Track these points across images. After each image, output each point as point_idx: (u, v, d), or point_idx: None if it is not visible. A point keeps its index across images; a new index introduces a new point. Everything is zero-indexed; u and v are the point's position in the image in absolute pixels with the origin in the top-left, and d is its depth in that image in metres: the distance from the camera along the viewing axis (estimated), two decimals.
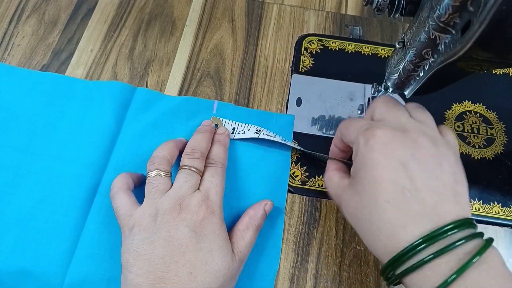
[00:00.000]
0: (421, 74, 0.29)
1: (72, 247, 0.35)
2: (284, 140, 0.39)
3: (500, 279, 0.23)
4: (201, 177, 0.33)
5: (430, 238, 0.24)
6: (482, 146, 0.41)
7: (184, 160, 0.34)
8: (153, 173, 0.33)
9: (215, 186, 0.33)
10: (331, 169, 0.33)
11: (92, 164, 0.38)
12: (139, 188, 0.36)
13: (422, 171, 0.26)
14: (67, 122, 0.40)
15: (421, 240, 0.24)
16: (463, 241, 0.23)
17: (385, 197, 0.25)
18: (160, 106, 0.41)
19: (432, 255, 0.23)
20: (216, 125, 0.40)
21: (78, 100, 0.41)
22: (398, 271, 0.25)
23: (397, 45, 0.31)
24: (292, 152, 0.40)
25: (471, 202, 0.38)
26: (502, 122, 0.42)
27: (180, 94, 0.43)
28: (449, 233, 0.24)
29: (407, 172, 0.25)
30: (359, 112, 0.43)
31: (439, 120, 0.42)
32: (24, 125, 0.40)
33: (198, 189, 0.32)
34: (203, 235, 0.29)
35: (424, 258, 0.23)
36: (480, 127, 0.42)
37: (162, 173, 0.33)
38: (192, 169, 0.33)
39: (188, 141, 0.37)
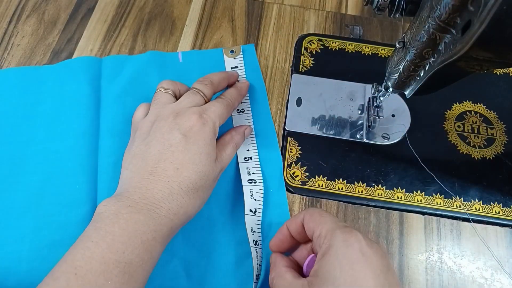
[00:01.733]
0: (422, 74, 0.29)
1: (92, 209, 0.36)
2: None
3: None
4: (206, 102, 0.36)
5: None
6: (483, 146, 0.41)
7: (193, 84, 0.37)
8: (157, 90, 0.37)
9: (215, 108, 0.35)
10: (281, 265, 0.29)
11: (85, 133, 0.40)
12: None
13: (395, 281, 0.25)
14: (49, 105, 0.41)
15: None
16: None
17: None
18: (130, 67, 0.43)
19: None
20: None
21: (52, 83, 0.43)
22: None
23: (397, 45, 0.31)
24: (292, 152, 0.40)
25: (471, 202, 0.38)
26: (502, 122, 0.42)
27: None
28: None
29: (384, 276, 0.24)
30: (359, 112, 0.43)
31: (439, 120, 0.42)
32: (7, 120, 0.41)
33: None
34: (193, 140, 0.32)
35: None
36: (480, 127, 0.42)
37: (163, 90, 0.36)
38: (196, 90, 0.36)
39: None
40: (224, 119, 0.35)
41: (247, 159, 0.39)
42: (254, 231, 0.35)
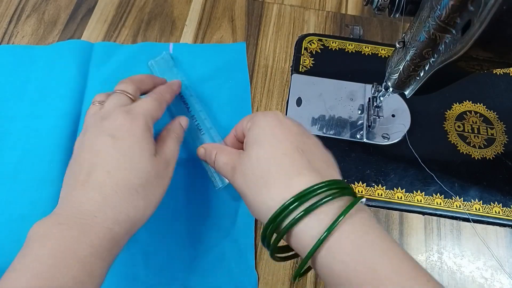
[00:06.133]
0: (422, 74, 0.29)
1: None
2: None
3: (368, 236, 0.24)
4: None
5: (301, 196, 0.25)
6: (483, 146, 0.41)
7: (115, 87, 0.35)
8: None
9: (143, 104, 0.33)
10: (222, 144, 0.36)
11: (66, 115, 0.40)
12: None
13: (312, 141, 0.30)
14: (36, 84, 0.42)
15: (293, 199, 0.25)
16: (330, 197, 0.25)
17: (283, 150, 0.28)
18: (120, 55, 0.44)
19: (303, 212, 0.24)
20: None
21: (41, 63, 0.43)
22: (277, 233, 0.26)
23: (397, 45, 0.31)
24: None
25: (471, 202, 0.38)
26: (502, 122, 0.42)
27: None
28: (318, 191, 0.25)
29: (301, 137, 0.29)
30: (359, 112, 0.42)
31: (439, 120, 0.42)
32: None
33: None
34: (122, 138, 0.30)
35: (296, 216, 0.24)
36: (480, 127, 0.42)
37: (97, 103, 0.34)
38: (119, 91, 0.34)
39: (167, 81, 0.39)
40: (157, 113, 0.33)
41: None
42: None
